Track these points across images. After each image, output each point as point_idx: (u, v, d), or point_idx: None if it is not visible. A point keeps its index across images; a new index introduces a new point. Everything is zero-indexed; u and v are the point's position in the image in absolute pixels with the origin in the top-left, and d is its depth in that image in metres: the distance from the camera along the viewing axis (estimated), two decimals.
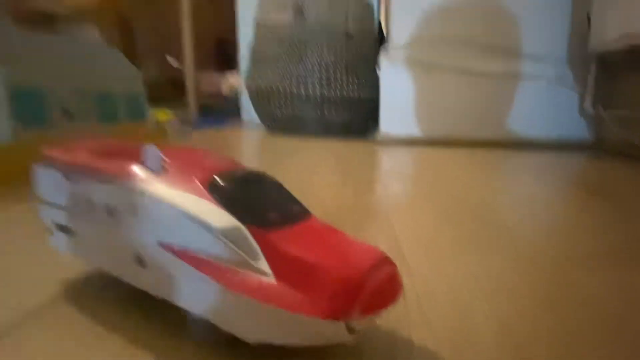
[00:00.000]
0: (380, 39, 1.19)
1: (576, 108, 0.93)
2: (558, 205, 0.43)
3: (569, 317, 0.19)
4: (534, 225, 0.35)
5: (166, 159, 0.17)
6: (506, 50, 0.94)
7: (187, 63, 1.34)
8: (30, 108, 0.46)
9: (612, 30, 0.79)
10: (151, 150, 0.17)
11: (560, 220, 0.37)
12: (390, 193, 0.45)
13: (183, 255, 0.15)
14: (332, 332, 0.14)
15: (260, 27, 1.06)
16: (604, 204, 0.42)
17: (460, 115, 0.97)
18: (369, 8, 1.11)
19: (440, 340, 0.17)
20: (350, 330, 0.14)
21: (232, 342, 0.15)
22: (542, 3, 0.93)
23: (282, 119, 1.07)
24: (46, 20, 1.65)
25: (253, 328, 0.14)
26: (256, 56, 1.07)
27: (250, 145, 0.87)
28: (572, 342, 0.17)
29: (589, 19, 0.87)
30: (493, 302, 0.21)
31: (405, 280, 0.21)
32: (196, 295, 0.15)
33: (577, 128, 0.94)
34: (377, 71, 0.99)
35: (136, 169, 0.17)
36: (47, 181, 0.20)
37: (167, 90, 1.93)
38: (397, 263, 0.15)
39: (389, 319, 0.18)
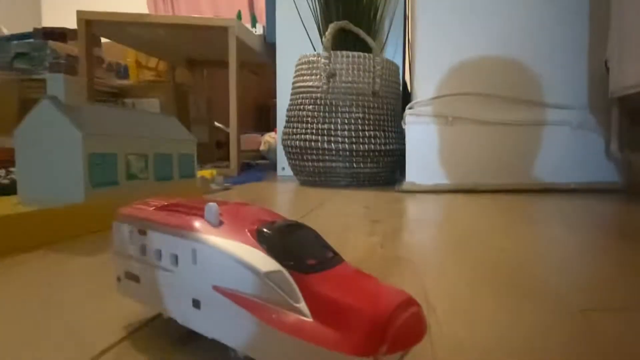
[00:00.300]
0: (405, 96, 1.28)
1: (602, 152, 0.93)
2: (589, 252, 0.41)
3: None
4: (566, 274, 0.34)
5: (223, 213, 0.19)
6: (527, 100, 0.98)
7: (232, 127, 1.48)
8: (100, 171, 0.53)
9: (630, 76, 0.81)
10: (211, 206, 0.19)
11: (590, 268, 0.36)
12: (417, 241, 0.47)
13: (233, 297, 0.17)
14: None
15: (296, 92, 1.18)
16: (637, 250, 0.41)
17: (484, 164, 0.99)
18: (394, 68, 1.20)
19: None
20: None
21: None
22: (559, 53, 0.96)
23: (314, 172, 1.14)
24: (115, 94, 1.91)
25: None
26: (291, 117, 1.17)
27: (286, 197, 0.92)
28: None
29: (607, 66, 0.90)
30: (524, 355, 0.21)
31: (434, 329, 0.24)
32: (242, 334, 0.17)
33: (604, 172, 0.93)
34: (403, 125, 1.05)
35: (198, 223, 0.19)
36: (123, 235, 0.23)
37: (213, 150, 2.11)
38: (425, 311, 0.17)
39: None
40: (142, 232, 0.22)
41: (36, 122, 0.52)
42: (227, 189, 1.07)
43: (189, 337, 0.23)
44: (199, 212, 0.20)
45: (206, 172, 1.08)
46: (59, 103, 0.52)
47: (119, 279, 0.24)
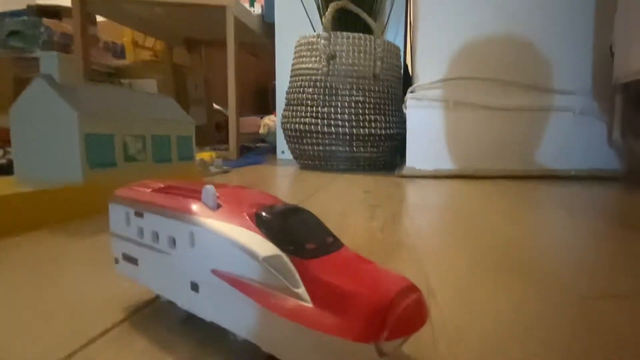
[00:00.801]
0: (406, 79, 1.26)
1: (604, 139, 0.93)
2: (590, 239, 0.41)
3: None
4: (567, 261, 0.34)
5: (220, 196, 0.19)
6: (530, 85, 0.97)
7: (231, 109, 1.47)
8: (98, 152, 0.52)
9: (635, 62, 0.80)
10: (209, 189, 0.19)
11: (593, 255, 0.36)
12: (417, 226, 0.46)
13: (232, 280, 0.17)
14: (363, 353, 0.15)
15: (295, 75, 1.16)
16: (638, 237, 0.41)
17: (485, 149, 0.99)
18: (395, 50, 1.18)
19: None
20: (380, 352, 0.15)
21: None
22: (563, 37, 0.95)
23: (313, 156, 1.13)
24: (111, 74, 1.88)
25: (291, 349, 0.16)
26: (291, 100, 1.16)
27: (285, 181, 0.92)
28: None
29: (611, 52, 0.89)
30: (525, 344, 0.21)
31: (434, 314, 0.24)
32: (242, 318, 0.17)
33: (606, 159, 0.93)
34: (404, 109, 1.04)
35: (196, 206, 0.19)
36: (119, 217, 0.23)
37: (212, 133, 2.09)
38: (426, 297, 0.17)
39: (417, 347, 0.20)
40: (139, 214, 0.22)
41: (30, 102, 0.51)
42: (226, 172, 1.06)
43: (188, 320, 0.23)
44: (197, 195, 0.20)
45: (205, 155, 1.08)
46: (53, 82, 0.50)
47: (117, 261, 0.24)
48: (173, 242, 0.20)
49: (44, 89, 0.50)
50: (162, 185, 0.23)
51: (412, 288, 0.16)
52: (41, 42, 1.59)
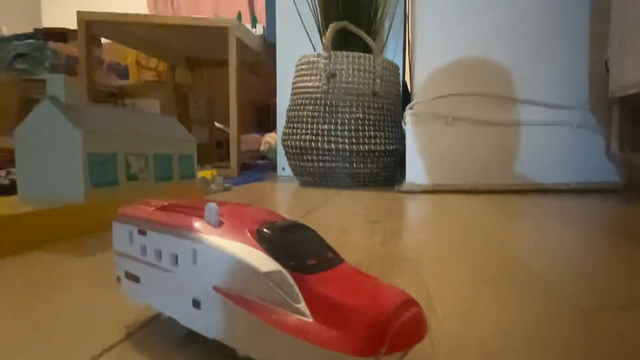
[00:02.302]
0: (405, 96, 1.28)
1: (603, 152, 0.93)
2: (589, 251, 0.41)
3: None
4: (566, 273, 0.34)
5: (223, 214, 0.19)
6: (527, 100, 0.98)
7: (232, 127, 1.48)
8: (100, 171, 0.52)
9: (631, 76, 0.81)
10: (211, 207, 0.19)
11: (592, 267, 0.36)
12: (417, 240, 0.47)
13: (233, 297, 0.17)
14: None
15: (296, 93, 1.18)
16: (638, 248, 0.41)
17: (484, 163, 0.99)
18: (394, 68, 1.20)
19: None
20: None
21: None
22: (560, 52, 0.96)
23: (314, 173, 1.14)
24: (114, 95, 1.91)
25: None
26: (291, 118, 1.17)
27: (285, 197, 0.92)
28: None
29: (607, 67, 0.90)
30: (523, 352, 0.21)
31: (434, 329, 0.24)
32: (244, 334, 0.17)
33: (605, 172, 0.93)
34: (403, 125, 1.05)
35: (198, 223, 0.19)
36: (122, 235, 0.23)
37: (213, 151, 2.11)
38: (426, 310, 0.17)
39: (417, 359, 0.20)
40: (142, 232, 0.22)
41: (36, 122, 0.52)
42: (227, 189, 1.07)
43: (190, 337, 0.23)
44: (199, 213, 0.20)
45: (206, 173, 1.08)
46: (60, 103, 0.52)
47: (119, 279, 0.24)
48: (175, 259, 0.20)
49: (50, 110, 0.51)
50: (165, 203, 0.23)
51: (411, 302, 0.16)
52: (48, 65, 1.63)
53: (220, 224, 0.19)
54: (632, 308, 0.27)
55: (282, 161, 1.51)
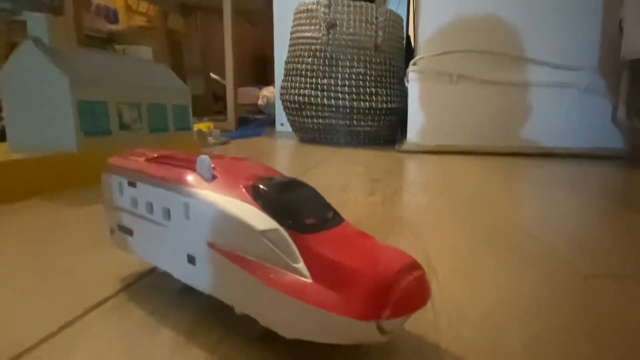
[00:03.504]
0: (409, 51, 1.23)
1: (608, 118, 0.91)
2: (592, 218, 0.41)
3: (606, 343, 0.19)
4: (570, 241, 0.34)
5: (216, 167, 0.18)
6: (535, 60, 0.94)
7: (228, 79, 1.43)
8: (91, 119, 0.51)
9: None
10: (203, 159, 0.18)
11: (594, 234, 0.35)
12: (418, 201, 0.46)
13: (228, 254, 0.17)
14: (363, 332, 0.14)
15: (294, 44, 1.13)
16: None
17: (487, 124, 0.97)
18: (398, 20, 1.14)
19: (469, 351, 0.18)
20: (381, 330, 0.14)
21: (272, 337, 0.17)
22: (571, 12, 0.92)
23: (313, 129, 1.12)
24: (105, 40, 1.82)
25: (289, 324, 0.15)
26: (290, 70, 1.13)
27: (283, 153, 0.91)
28: None
29: (620, 27, 0.86)
30: (526, 321, 0.20)
31: (435, 291, 0.23)
32: (238, 291, 0.17)
33: (610, 138, 0.92)
34: (406, 82, 1.02)
35: (190, 176, 0.18)
36: (113, 187, 0.22)
37: (209, 103, 2.06)
38: (427, 274, 0.16)
39: (418, 326, 0.20)
40: (132, 184, 0.21)
41: (20, 66, 0.49)
42: (224, 143, 1.05)
43: (186, 291, 0.23)
44: (191, 165, 0.19)
45: (203, 126, 1.06)
46: (43, 45, 0.48)
47: (112, 232, 0.23)
48: (168, 213, 0.19)
49: (33, 52, 0.48)
50: (155, 155, 0.22)
51: (415, 265, 0.15)
52: (30, 4, 1.53)
53: (213, 177, 0.18)
54: (635, 277, 0.26)
55: (280, 116, 1.48)
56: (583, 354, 0.18)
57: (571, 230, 0.37)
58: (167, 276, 0.21)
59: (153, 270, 0.26)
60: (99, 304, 0.22)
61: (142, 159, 0.21)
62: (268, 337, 0.17)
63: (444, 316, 0.21)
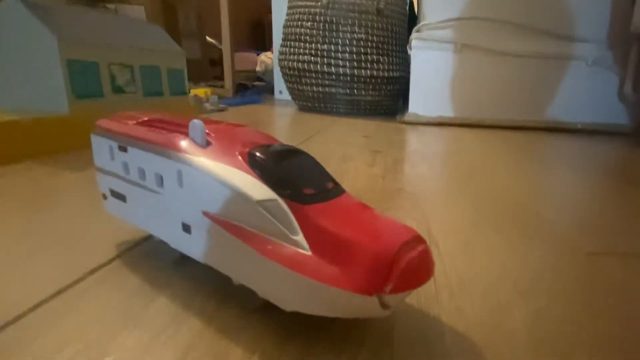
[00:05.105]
0: (412, 18, 1.18)
1: (615, 93, 0.89)
2: (595, 195, 0.40)
3: (608, 320, 0.18)
4: (571, 216, 0.33)
5: (211, 133, 0.17)
6: (542, 31, 0.91)
7: (225, 44, 1.38)
8: (82, 80, 0.49)
9: None
10: (197, 125, 0.17)
11: (597, 211, 0.35)
12: (419, 174, 0.45)
13: (225, 224, 0.16)
14: (365, 306, 0.14)
15: (293, 8, 1.08)
16: None
17: (491, 97, 0.95)
18: None
19: (471, 326, 0.18)
20: (384, 305, 0.14)
21: (270, 309, 0.16)
22: None
23: (312, 97, 1.09)
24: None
25: (288, 297, 0.15)
26: (288, 36, 1.09)
27: (282, 122, 0.89)
28: (613, 349, 0.16)
29: None
30: (528, 296, 0.20)
31: (436, 264, 0.23)
32: (236, 263, 0.16)
33: (615, 113, 0.90)
34: (408, 50, 0.98)
35: (183, 142, 0.17)
36: (103, 150, 0.21)
37: (206, 68, 2.00)
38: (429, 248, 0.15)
39: (420, 300, 0.19)
40: (123, 149, 0.20)
41: (4, 24, 0.47)
42: (222, 109, 1.03)
43: (183, 259, 0.22)
44: (184, 130, 0.18)
45: (200, 91, 1.03)
46: (28, 1, 0.45)
47: (105, 197, 0.23)
48: (160, 180, 0.18)
49: (18, 9, 0.45)
50: (146, 118, 0.21)
51: (418, 239, 0.15)
52: None
53: (207, 144, 0.17)
54: (636, 255, 0.26)
55: (279, 84, 1.44)
56: (585, 330, 0.18)
57: (574, 207, 0.37)
58: (163, 244, 0.20)
59: (149, 238, 0.25)
60: (94, 271, 0.21)
61: (132, 122, 0.20)
62: (266, 309, 0.17)
63: (446, 290, 0.21)
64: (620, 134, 0.89)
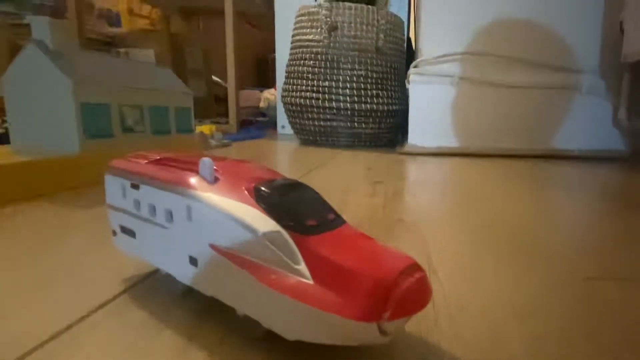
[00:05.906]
0: (410, 54, 1.23)
1: (610, 119, 0.91)
2: (592, 220, 0.41)
3: (609, 346, 0.18)
4: (570, 241, 0.34)
5: (219, 170, 0.18)
6: (536, 62, 0.94)
7: (230, 82, 1.44)
8: (94, 121, 0.51)
9: None
10: (206, 162, 0.18)
11: (595, 236, 0.35)
12: (419, 203, 0.46)
13: (230, 256, 0.17)
14: (365, 333, 0.14)
15: (296, 47, 1.13)
16: None
17: (489, 127, 0.97)
18: (399, 23, 1.14)
19: (470, 352, 0.18)
20: (382, 332, 0.14)
21: (274, 339, 0.17)
22: (572, 13, 0.92)
23: (314, 131, 1.12)
24: (107, 43, 1.83)
25: (290, 326, 0.15)
26: (291, 73, 1.13)
27: (285, 156, 0.91)
28: None
29: (621, 28, 0.86)
30: (526, 321, 0.20)
31: (436, 291, 0.23)
32: (241, 294, 0.17)
33: (611, 140, 0.92)
34: (407, 84, 1.02)
35: (193, 179, 0.18)
36: (115, 188, 0.22)
37: (211, 105, 2.06)
38: (428, 275, 0.16)
39: (419, 326, 0.20)
40: (135, 187, 0.21)
41: (23, 69, 0.50)
42: (226, 145, 1.05)
43: (188, 293, 0.23)
44: (194, 167, 0.19)
45: (205, 128, 1.06)
46: (46, 48, 0.49)
47: (114, 233, 0.24)
48: (170, 215, 0.19)
49: (36, 55, 0.48)
50: (158, 157, 0.22)
51: (415, 267, 0.15)
52: (33, 7, 1.54)
53: (215, 180, 0.18)
54: (636, 279, 0.26)
55: (282, 119, 1.48)
56: (582, 354, 0.18)
57: (572, 232, 0.37)
58: (169, 278, 0.21)
59: (155, 272, 0.26)
60: (102, 305, 0.22)
61: (144, 162, 0.22)
62: (270, 339, 0.17)
63: (445, 316, 0.21)
64: (617, 159, 0.89)
